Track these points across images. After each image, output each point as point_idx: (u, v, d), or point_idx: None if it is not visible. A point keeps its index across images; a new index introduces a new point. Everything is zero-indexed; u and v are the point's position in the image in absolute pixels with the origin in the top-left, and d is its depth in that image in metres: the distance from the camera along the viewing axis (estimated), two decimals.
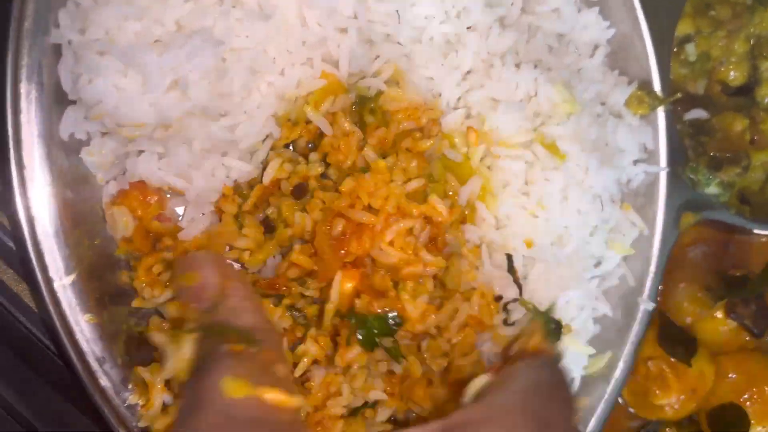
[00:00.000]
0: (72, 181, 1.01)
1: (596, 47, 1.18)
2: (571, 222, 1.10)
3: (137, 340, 1.05)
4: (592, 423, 1.17)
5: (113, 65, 0.93)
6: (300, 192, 1.06)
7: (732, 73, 1.27)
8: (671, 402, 1.22)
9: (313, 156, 1.07)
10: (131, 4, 0.95)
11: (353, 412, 1.06)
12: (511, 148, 1.08)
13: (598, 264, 1.17)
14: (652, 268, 1.18)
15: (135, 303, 1.06)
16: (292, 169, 1.06)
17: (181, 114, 0.96)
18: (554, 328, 1.08)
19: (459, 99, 1.10)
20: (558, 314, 1.11)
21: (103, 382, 1.00)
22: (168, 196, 1.07)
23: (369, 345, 1.03)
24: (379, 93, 1.08)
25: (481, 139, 1.08)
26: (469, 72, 1.10)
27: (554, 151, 1.07)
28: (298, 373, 1.03)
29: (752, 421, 1.22)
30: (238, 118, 1.01)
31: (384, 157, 1.05)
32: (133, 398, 1.01)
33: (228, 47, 0.97)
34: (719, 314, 1.26)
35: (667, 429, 1.28)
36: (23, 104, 0.96)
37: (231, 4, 0.98)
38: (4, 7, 0.96)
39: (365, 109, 1.07)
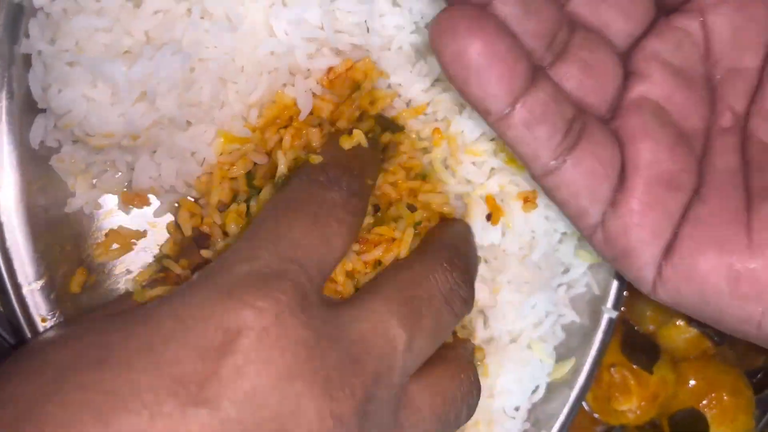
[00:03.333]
0: (43, 187, 1.02)
1: None
2: (538, 228, 1.12)
3: None
4: (556, 428, 1.18)
5: (83, 76, 0.94)
6: None
7: None
8: (632, 407, 1.25)
9: None
10: (101, 16, 0.96)
11: None
12: (476, 155, 1.09)
13: (566, 271, 1.19)
14: (616, 276, 1.20)
15: None
16: None
17: (150, 124, 0.97)
18: None
19: (428, 104, 1.11)
20: (525, 319, 1.13)
21: None
22: None
23: None
24: None
25: (447, 142, 1.09)
26: (437, 80, 1.11)
27: (512, 162, 1.08)
28: None
29: (711, 426, 1.25)
30: (205, 128, 1.02)
31: None
32: None
33: (196, 57, 0.98)
34: (681, 322, 1.28)
35: None
36: None
37: (199, 15, 0.99)
38: None
39: None
